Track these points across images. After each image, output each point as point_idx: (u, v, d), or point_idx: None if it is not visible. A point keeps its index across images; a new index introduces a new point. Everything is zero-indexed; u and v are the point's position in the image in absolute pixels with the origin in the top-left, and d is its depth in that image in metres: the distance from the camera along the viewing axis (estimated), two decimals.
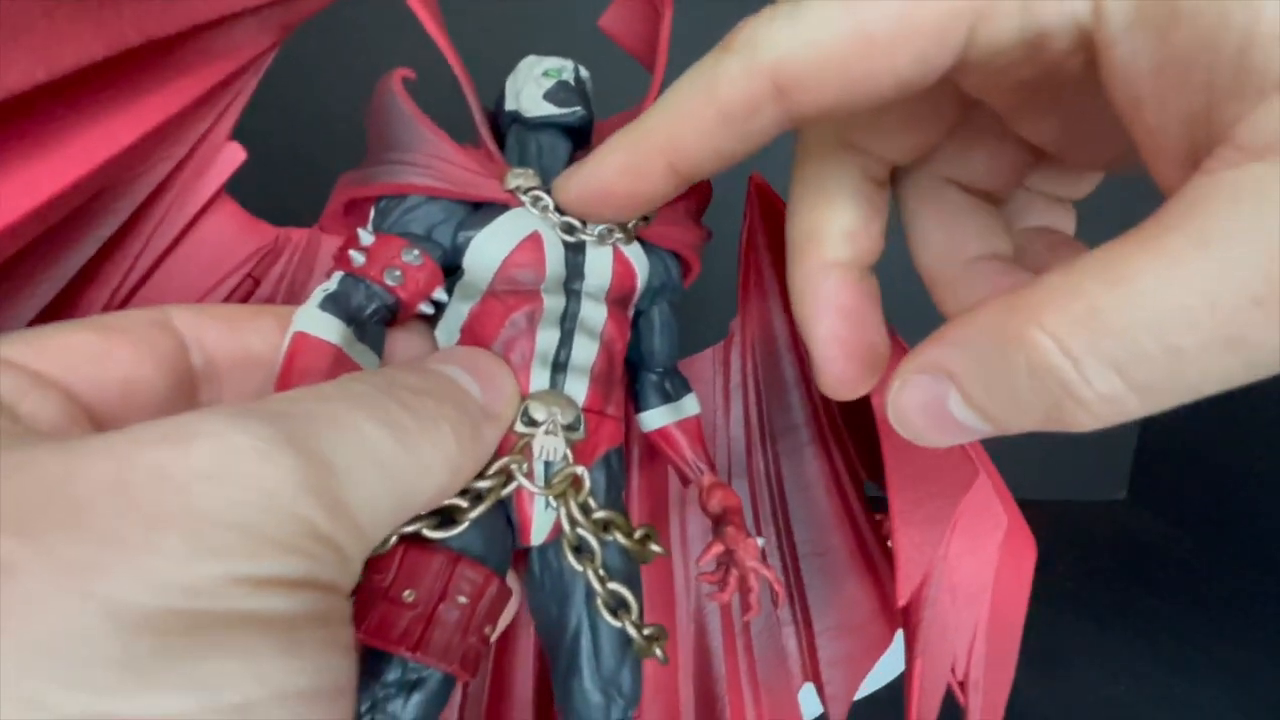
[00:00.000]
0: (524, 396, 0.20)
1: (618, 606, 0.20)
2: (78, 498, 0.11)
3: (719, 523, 0.24)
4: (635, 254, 0.23)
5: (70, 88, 0.17)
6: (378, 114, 0.21)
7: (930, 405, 0.15)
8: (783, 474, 0.32)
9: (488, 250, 0.21)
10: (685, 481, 0.26)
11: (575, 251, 0.22)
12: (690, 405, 0.26)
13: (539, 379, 0.21)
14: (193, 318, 0.19)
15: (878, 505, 0.30)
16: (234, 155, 0.22)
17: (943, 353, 0.14)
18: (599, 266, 0.22)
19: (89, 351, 0.17)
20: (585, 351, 0.21)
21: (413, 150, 0.21)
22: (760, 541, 0.24)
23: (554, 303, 0.21)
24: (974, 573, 0.26)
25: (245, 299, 0.23)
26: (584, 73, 0.24)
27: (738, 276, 0.30)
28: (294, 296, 0.24)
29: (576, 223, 0.22)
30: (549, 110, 0.22)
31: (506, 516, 0.21)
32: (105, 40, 0.17)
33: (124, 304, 0.21)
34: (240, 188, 0.23)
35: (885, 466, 0.25)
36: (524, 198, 0.21)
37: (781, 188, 0.29)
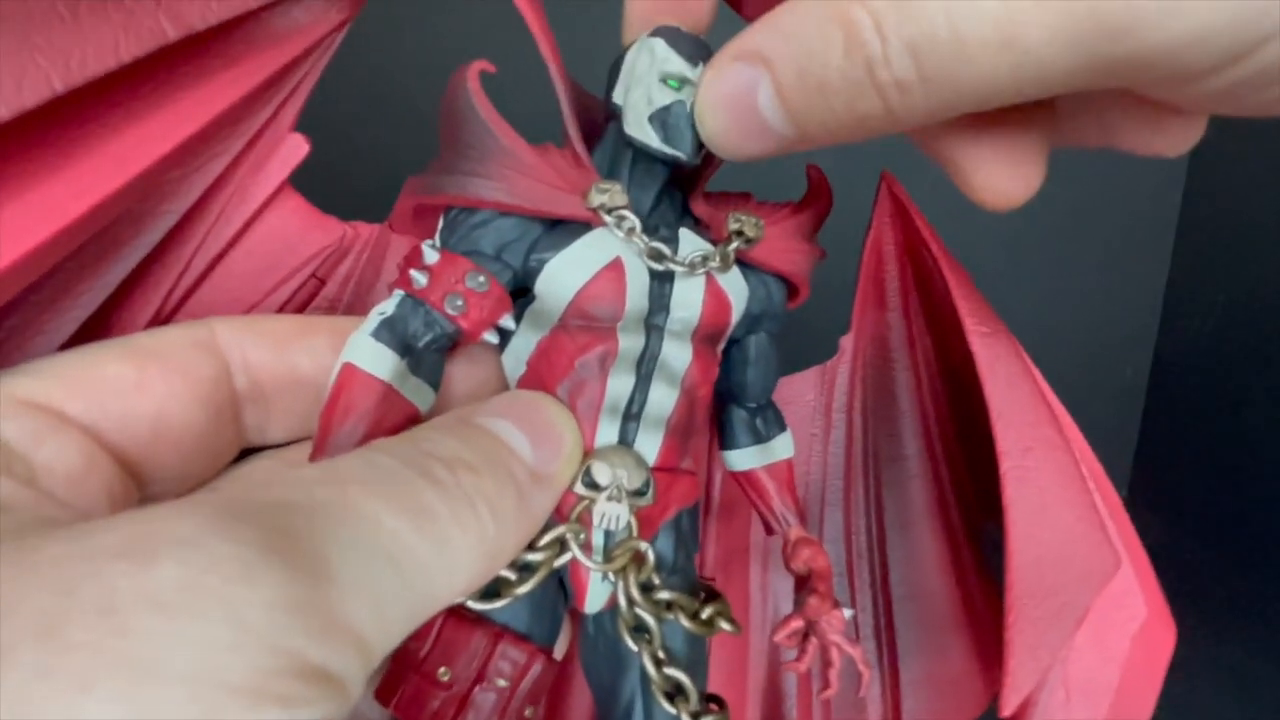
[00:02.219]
0: (588, 452, 0.18)
1: (675, 693, 0.18)
2: (2, 642, 0.09)
3: (801, 587, 0.22)
4: (732, 283, 0.20)
5: (108, 87, 0.15)
6: (450, 112, 0.18)
7: (739, 98, 0.15)
8: (884, 506, 0.29)
9: (562, 278, 0.18)
10: (770, 531, 0.23)
11: (662, 282, 0.19)
12: (783, 447, 0.23)
13: (607, 432, 0.18)
14: (238, 334, 0.18)
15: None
16: (297, 147, 0.20)
17: (763, 38, 0.15)
18: (688, 299, 0.19)
19: (122, 385, 0.16)
20: (663, 400, 0.19)
21: (485, 159, 0.18)
22: (848, 613, 0.22)
23: (631, 343, 0.18)
24: (1097, 670, 0.23)
25: (309, 299, 0.22)
26: None
27: (855, 288, 0.27)
28: (360, 298, 0.22)
29: (665, 249, 0.19)
30: (648, 137, 0.18)
31: (560, 579, 0.19)
32: (136, 40, 0.15)
33: (179, 307, 0.19)
34: (306, 180, 0.21)
35: (1008, 545, 0.21)
36: (608, 217, 0.18)
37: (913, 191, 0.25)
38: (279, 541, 0.11)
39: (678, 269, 0.19)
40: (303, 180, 0.21)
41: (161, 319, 0.19)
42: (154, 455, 0.16)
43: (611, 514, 0.17)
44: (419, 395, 0.18)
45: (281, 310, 0.21)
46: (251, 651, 0.10)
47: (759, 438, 0.22)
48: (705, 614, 0.19)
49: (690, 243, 0.20)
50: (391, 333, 0.18)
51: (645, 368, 0.19)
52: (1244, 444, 0.45)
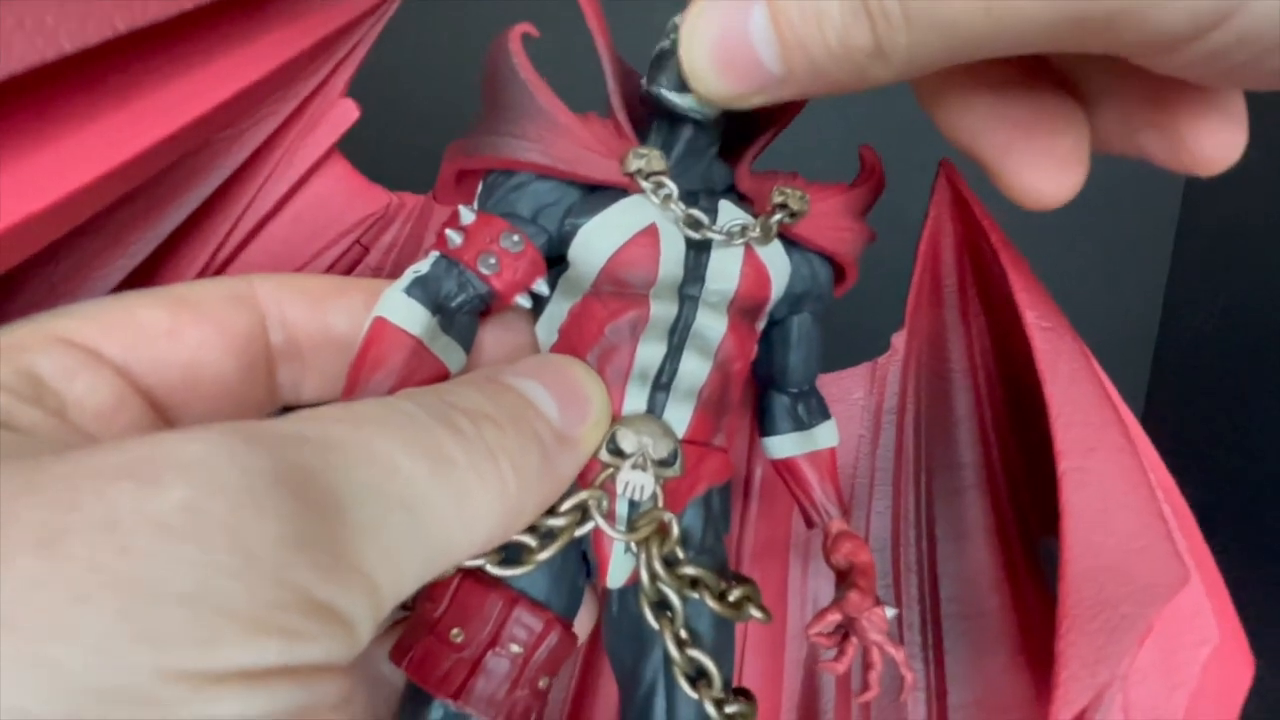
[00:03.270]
0: (615, 419, 0.17)
1: (697, 676, 0.17)
2: (2, 551, 0.09)
3: (842, 582, 0.21)
4: (773, 256, 0.19)
5: (168, 34, 0.15)
6: (491, 75, 0.18)
7: (729, 25, 0.15)
8: (935, 517, 0.27)
9: (595, 243, 0.18)
10: (810, 523, 0.22)
11: (698, 251, 0.19)
12: (826, 435, 0.22)
13: (635, 400, 0.18)
14: (276, 290, 0.18)
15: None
16: (347, 113, 0.20)
17: None
18: (724, 270, 0.19)
19: (155, 330, 0.16)
20: (695, 371, 0.18)
21: (524, 120, 0.18)
22: (890, 612, 0.21)
23: (663, 310, 0.18)
24: (1162, 697, 0.21)
25: (353, 266, 0.22)
26: None
27: (910, 282, 0.26)
28: (401, 267, 0.22)
29: (703, 217, 0.18)
30: (682, 100, 0.18)
31: (582, 551, 0.18)
32: None
33: (227, 263, 0.20)
34: (354, 147, 0.21)
35: (1064, 551, 0.20)
36: (644, 183, 0.18)
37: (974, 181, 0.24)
38: (290, 474, 0.11)
39: (715, 238, 0.18)
40: (352, 148, 0.21)
41: (206, 275, 0.20)
42: (185, 401, 0.16)
43: (636, 483, 0.17)
44: (449, 354, 0.18)
45: (328, 272, 0.21)
46: (255, 581, 0.10)
47: (800, 424, 0.22)
48: (733, 596, 0.18)
49: (730, 214, 0.19)
50: (424, 290, 0.18)
51: (678, 337, 0.18)
52: (1244, 444, 0.43)
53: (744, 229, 0.19)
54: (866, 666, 0.21)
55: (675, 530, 0.17)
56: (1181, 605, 0.20)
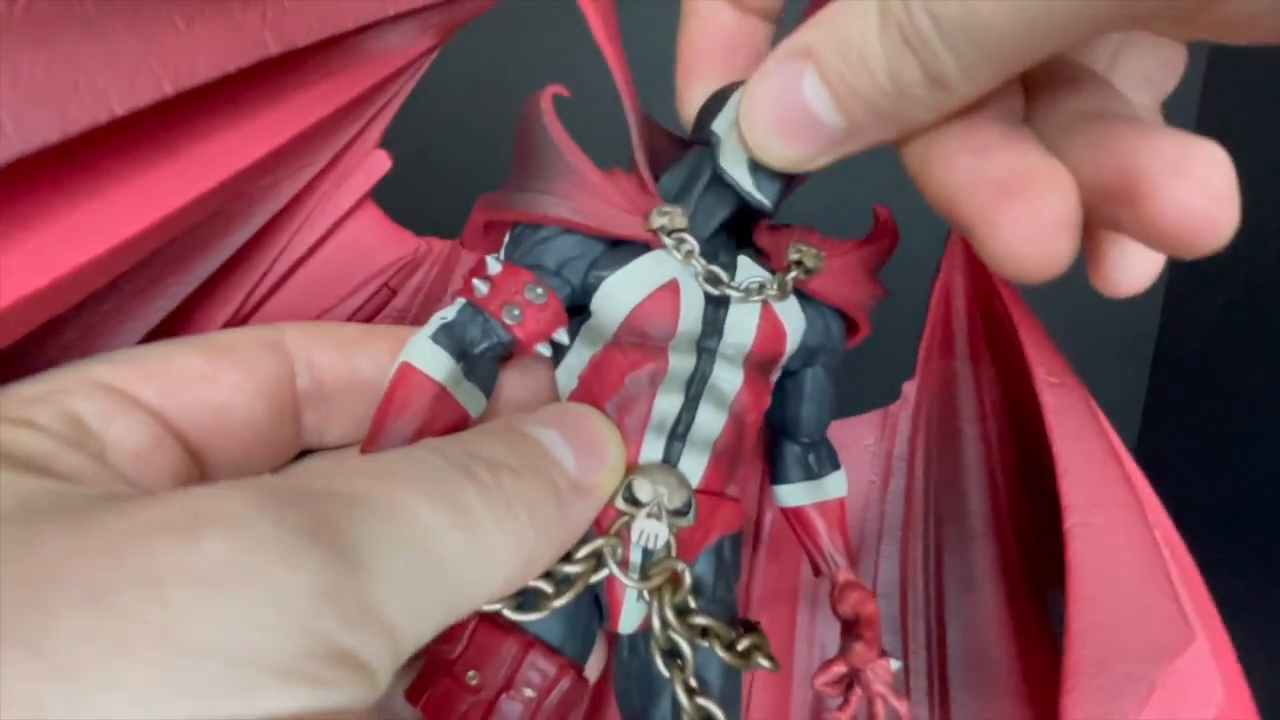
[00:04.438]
0: (631, 468, 0.18)
1: None
2: (48, 605, 0.10)
3: (848, 633, 0.21)
4: (789, 312, 0.20)
5: (212, 92, 0.16)
6: (523, 133, 0.19)
7: (784, 93, 0.16)
8: (944, 564, 0.28)
9: (618, 295, 0.19)
10: (817, 572, 0.22)
11: (717, 306, 0.19)
12: (835, 486, 0.22)
13: (651, 449, 0.18)
14: (304, 338, 0.19)
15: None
16: (379, 163, 0.21)
17: (804, 32, 0.15)
18: (741, 325, 0.19)
19: (191, 374, 0.17)
20: (710, 422, 0.19)
21: (554, 177, 0.19)
22: (895, 664, 0.21)
23: (681, 363, 0.19)
24: None
25: (380, 309, 0.22)
26: None
27: (922, 332, 0.26)
28: (429, 310, 0.23)
29: (722, 274, 0.19)
30: (742, 179, 0.18)
31: (595, 596, 0.18)
32: (242, 51, 0.16)
33: (257, 309, 0.21)
34: (386, 195, 0.22)
35: (1069, 607, 0.20)
36: (667, 240, 0.19)
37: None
38: (319, 528, 0.12)
39: (733, 294, 0.19)
40: (383, 195, 0.22)
41: (240, 319, 0.20)
42: (217, 444, 0.17)
43: (650, 531, 0.17)
44: (471, 400, 0.18)
45: (353, 318, 0.22)
46: (287, 632, 0.11)
47: (810, 474, 0.22)
48: (742, 646, 0.18)
49: (748, 270, 0.20)
50: (450, 337, 0.18)
51: (694, 389, 0.19)
52: (1244, 444, 0.43)
53: (761, 286, 0.19)
54: (870, 717, 0.21)
55: (688, 580, 0.17)
56: (1186, 666, 0.21)
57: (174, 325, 0.19)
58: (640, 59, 0.21)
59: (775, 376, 0.21)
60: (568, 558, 0.17)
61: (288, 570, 0.11)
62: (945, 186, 0.15)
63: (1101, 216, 0.15)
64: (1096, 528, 0.21)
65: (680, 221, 0.19)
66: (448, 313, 0.19)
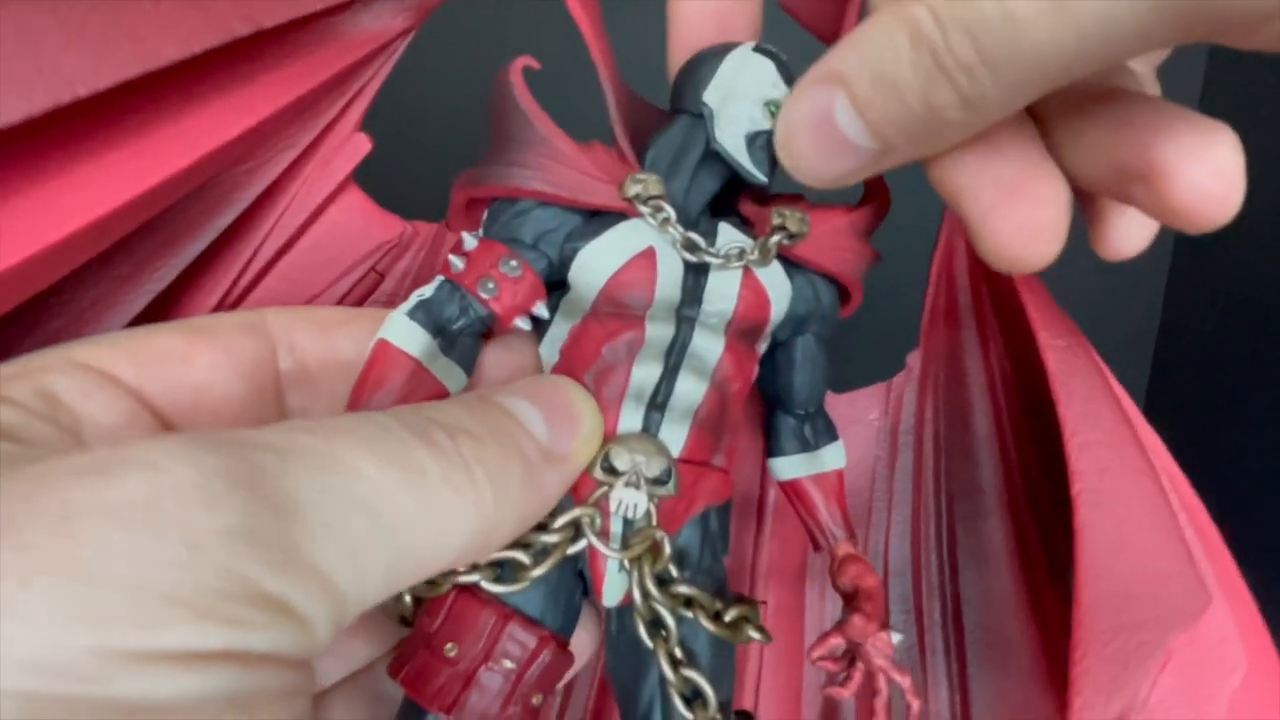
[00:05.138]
0: (609, 438, 0.18)
1: (693, 697, 0.17)
2: None
3: (848, 606, 0.20)
4: (772, 278, 0.20)
5: (174, 73, 0.16)
6: (495, 107, 0.19)
7: (818, 119, 0.16)
8: (957, 541, 0.27)
9: (594, 265, 0.19)
10: (816, 546, 0.22)
11: (696, 273, 0.19)
12: (832, 457, 0.22)
13: (630, 419, 0.18)
14: (286, 320, 0.19)
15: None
16: (359, 146, 0.21)
17: (838, 59, 0.15)
18: (722, 292, 0.19)
19: (169, 354, 0.17)
20: (691, 391, 0.18)
21: (525, 149, 0.19)
22: (896, 637, 0.20)
23: (659, 331, 0.18)
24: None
25: (369, 293, 0.23)
26: None
27: (923, 301, 0.25)
28: None
29: (700, 240, 0.19)
30: (737, 153, 0.19)
31: (579, 571, 0.18)
32: (209, 32, 0.16)
33: (245, 295, 0.21)
34: (371, 178, 0.22)
35: (1078, 575, 0.19)
36: (643, 207, 0.18)
37: None
38: (247, 474, 0.12)
39: (713, 260, 0.19)
40: (369, 180, 0.22)
41: (226, 306, 0.21)
42: (195, 421, 0.17)
43: (629, 501, 0.17)
44: (449, 375, 0.18)
45: (341, 302, 0.22)
46: (201, 571, 0.11)
47: (806, 446, 0.21)
48: (729, 616, 0.18)
49: (729, 236, 0.19)
50: (427, 313, 0.18)
51: (674, 358, 0.18)
52: (1244, 444, 0.41)
53: (742, 252, 0.19)
54: (872, 693, 0.20)
55: (667, 548, 0.17)
56: (1207, 631, 0.20)
57: (161, 314, 0.20)
58: (632, 43, 0.21)
59: (763, 345, 0.20)
60: (544, 528, 0.17)
61: (205, 511, 0.11)
62: (950, 181, 0.16)
63: (1113, 190, 0.16)
64: (1105, 493, 0.20)
65: (656, 189, 0.19)
66: (425, 290, 0.19)
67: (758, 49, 0.19)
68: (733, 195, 0.21)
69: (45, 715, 0.10)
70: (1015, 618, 0.26)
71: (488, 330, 0.19)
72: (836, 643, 0.20)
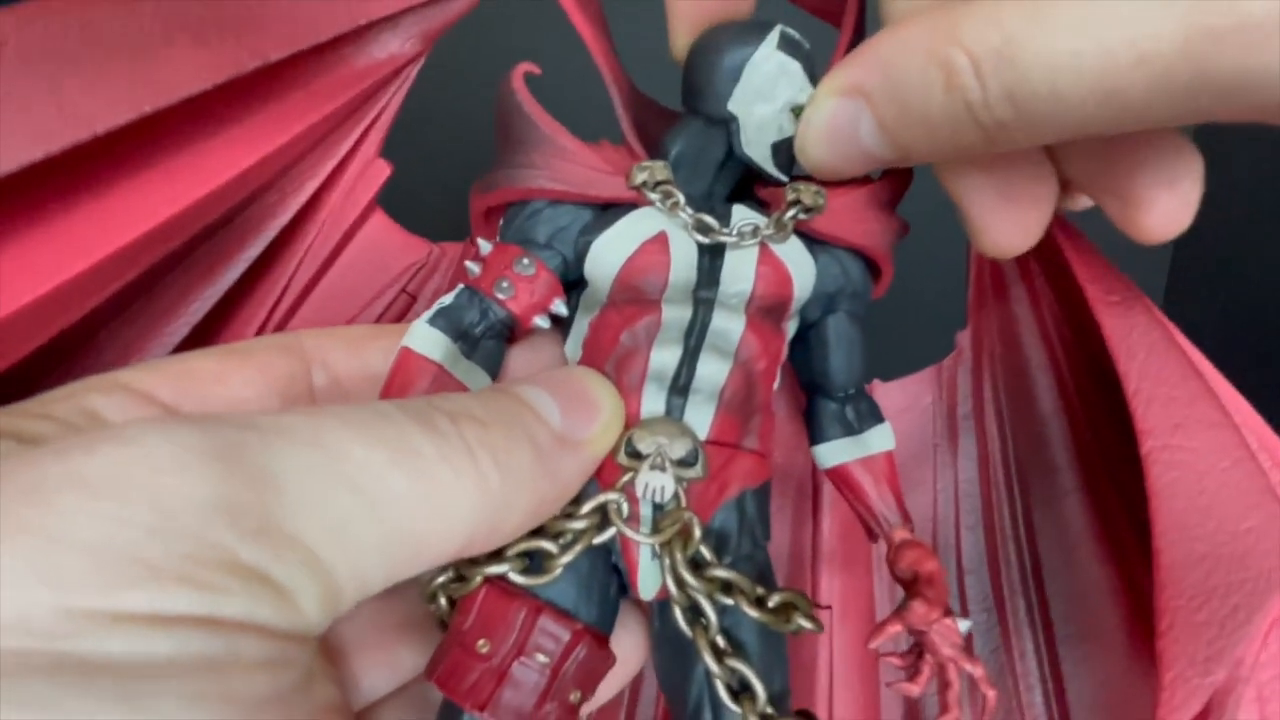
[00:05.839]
0: (631, 424, 0.17)
1: (740, 689, 0.17)
2: None
3: (908, 593, 0.19)
4: (793, 254, 0.19)
5: (186, 108, 0.17)
6: (501, 114, 0.20)
7: (841, 131, 0.16)
8: (1035, 528, 0.25)
9: (606, 255, 0.18)
10: (871, 536, 0.21)
11: (712, 255, 0.19)
12: (879, 439, 0.21)
13: (652, 404, 0.17)
14: (319, 340, 0.19)
15: None
16: (380, 171, 0.22)
17: (863, 72, 0.15)
18: (739, 272, 0.18)
19: (205, 375, 0.17)
20: (714, 372, 0.18)
21: (531, 150, 0.19)
22: (964, 625, 0.19)
23: (677, 314, 0.18)
24: None
25: (402, 315, 0.23)
26: None
27: (967, 279, 0.24)
28: None
29: (712, 221, 0.18)
30: (769, 166, 0.19)
31: (614, 565, 0.18)
32: (219, 67, 0.17)
33: (285, 319, 0.22)
34: (397, 202, 0.23)
35: (1155, 539, 0.18)
36: (651, 194, 0.18)
37: None
38: (226, 450, 0.12)
39: (726, 240, 0.18)
40: (395, 204, 0.23)
41: (265, 333, 0.21)
42: None
43: (655, 484, 0.17)
44: (472, 377, 0.18)
45: (378, 321, 0.23)
46: (170, 537, 0.11)
47: (850, 429, 0.21)
48: (774, 601, 0.17)
49: (743, 215, 0.19)
50: (448, 319, 0.18)
51: (694, 340, 0.18)
52: None
53: (756, 229, 0.18)
54: (943, 686, 0.19)
55: (697, 530, 0.17)
56: None
57: (204, 343, 0.20)
58: (636, 37, 0.21)
59: (790, 325, 0.20)
60: (572, 516, 0.17)
61: (178, 480, 0.11)
62: (957, 183, 0.18)
63: (1091, 194, 0.18)
64: (1180, 450, 0.18)
65: (662, 174, 0.19)
66: (446, 298, 0.19)
67: (783, 45, 0.19)
68: (750, 182, 0.20)
69: (10, 669, 0.10)
70: (1107, 606, 0.24)
71: (510, 332, 0.19)
72: (895, 630, 0.18)
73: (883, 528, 0.20)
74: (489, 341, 0.19)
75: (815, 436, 0.21)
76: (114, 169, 0.16)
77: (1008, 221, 0.18)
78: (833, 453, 0.21)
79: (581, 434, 0.16)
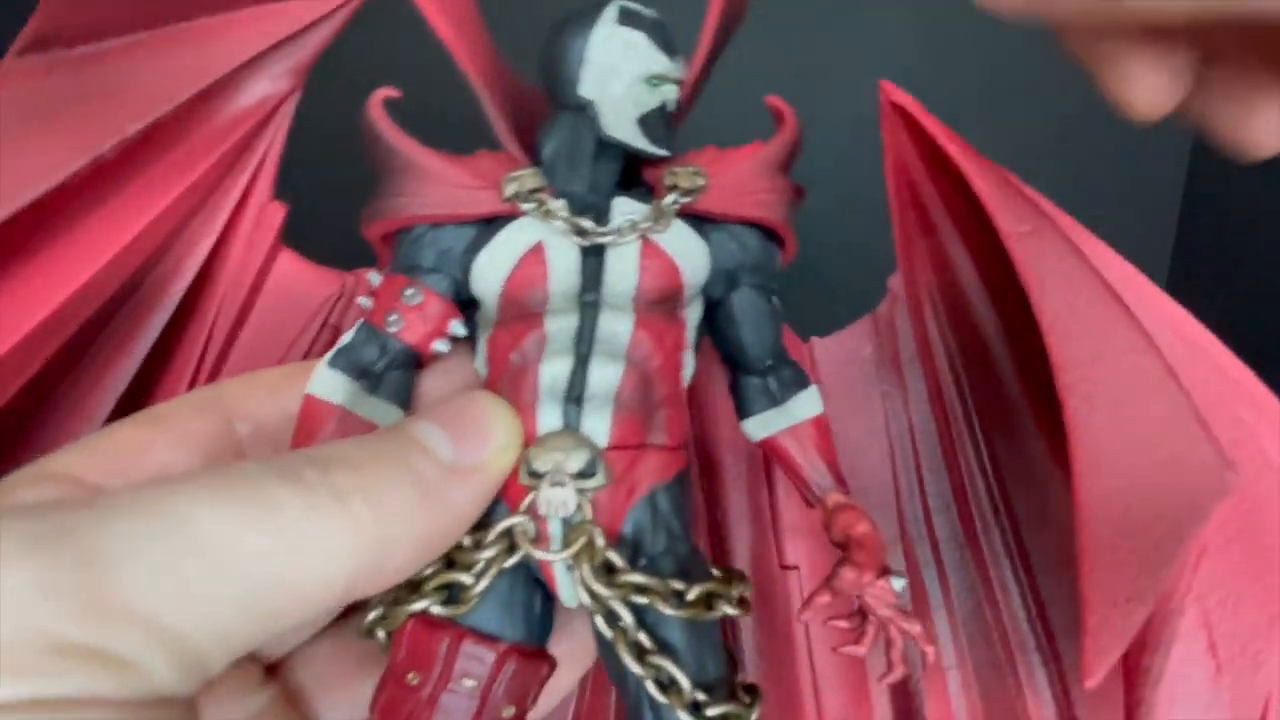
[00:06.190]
0: (529, 442, 0.17)
1: (669, 683, 0.17)
2: None
3: (840, 559, 0.19)
4: (679, 240, 0.19)
5: (57, 195, 0.18)
6: (368, 144, 0.19)
7: None
8: (999, 459, 0.25)
9: (487, 274, 0.18)
10: (809, 504, 0.21)
11: (596, 256, 0.18)
12: (804, 406, 0.20)
13: (549, 418, 0.17)
14: (239, 389, 0.20)
15: None
16: (275, 213, 0.22)
17: None
18: (621, 269, 0.18)
19: (128, 447, 0.18)
20: (606, 377, 0.18)
21: (399, 177, 0.19)
22: (898, 583, 0.19)
23: (562, 324, 0.18)
24: (1260, 621, 0.17)
25: (330, 345, 0.23)
26: (685, 73, 0.19)
27: (892, 224, 0.23)
28: None
29: (586, 223, 0.18)
30: (639, 142, 0.19)
31: (535, 576, 0.18)
32: (75, 151, 0.18)
33: (214, 373, 0.22)
34: (307, 236, 0.23)
35: (1074, 478, 0.17)
36: (525, 205, 0.18)
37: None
38: (50, 535, 0.12)
39: (605, 239, 0.18)
40: (308, 239, 0.23)
41: (194, 388, 0.22)
42: None
43: (556, 500, 0.17)
44: (380, 414, 0.19)
45: (306, 358, 0.23)
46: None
47: (774, 401, 0.20)
48: (693, 595, 0.17)
49: (624, 209, 0.19)
50: (348, 359, 0.19)
51: (584, 347, 0.18)
52: None
53: (633, 223, 0.18)
54: (888, 645, 0.19)
55: (598, 540, 0.17)
56: (1268, 497, 0.17)
57: (136, 407, 0.21)
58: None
59: (691, 311, 0.20)
60: (480, 545, 0.17)
61: (4, 572, 0.12)
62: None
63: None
64: (1097, 382, 0.18)
65: (532, 182, 0.18)
66: (346, 336, 0.19)
67: (623, 19, 0.18)
68: (637, 164, 0.20)
69: None
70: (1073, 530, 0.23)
71: (418, 359, 0.20)
72: (824, 600, 0.19)
73: (815, 494, 0.20)
74: (394, 373, 0.19)
75: (740, 411, 0.21)
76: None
77: (1138, 74, 0.16)
78: (758, 426, 0.21)
79: (473, 459, 0.16)
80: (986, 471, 0.25)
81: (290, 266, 0.23)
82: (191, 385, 0.22)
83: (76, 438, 0.20)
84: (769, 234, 0.20)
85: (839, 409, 0.25)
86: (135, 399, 0.21)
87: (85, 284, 0.18)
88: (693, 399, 0.25)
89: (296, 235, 0.23)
